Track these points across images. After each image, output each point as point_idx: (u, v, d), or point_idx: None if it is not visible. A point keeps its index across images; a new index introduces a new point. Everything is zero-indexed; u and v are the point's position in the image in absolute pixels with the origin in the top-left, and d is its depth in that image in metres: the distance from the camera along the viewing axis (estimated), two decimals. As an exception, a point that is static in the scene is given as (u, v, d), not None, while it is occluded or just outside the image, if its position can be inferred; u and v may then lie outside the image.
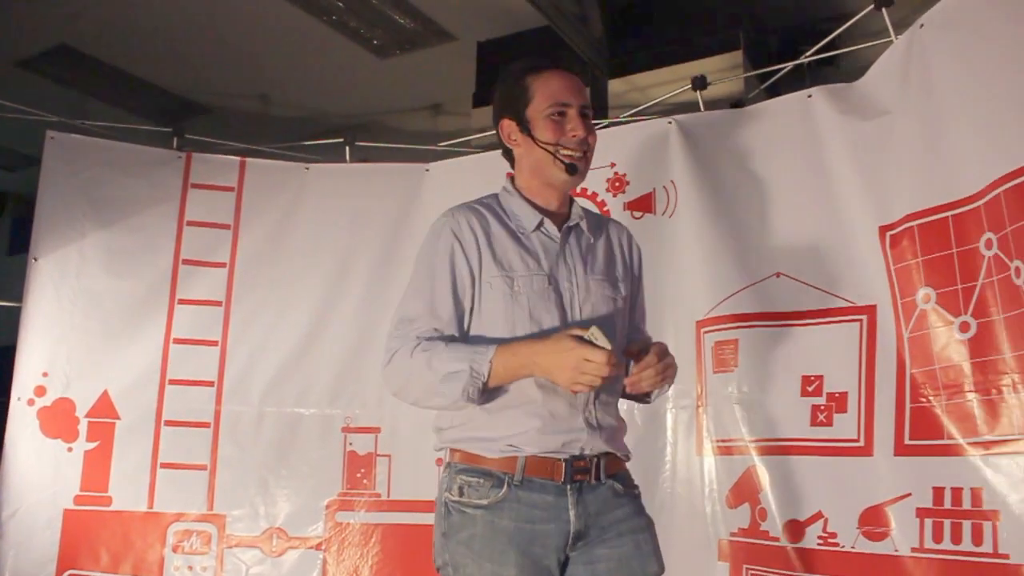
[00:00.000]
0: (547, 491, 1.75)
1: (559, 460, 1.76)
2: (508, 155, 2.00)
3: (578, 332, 1.65)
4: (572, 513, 1.75)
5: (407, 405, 3.41)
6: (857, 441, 2.57)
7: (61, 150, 3.54)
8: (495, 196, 1.95)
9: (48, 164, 3.53)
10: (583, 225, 1.92)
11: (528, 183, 1.92)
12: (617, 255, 1.97)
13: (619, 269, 1.95)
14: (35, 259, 3.45)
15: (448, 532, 1.79)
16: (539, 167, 1.88)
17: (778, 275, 2.82)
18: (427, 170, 3.60)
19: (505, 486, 1.74)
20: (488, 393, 1.73)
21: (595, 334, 1.64)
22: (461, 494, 1.77)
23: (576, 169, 1.85)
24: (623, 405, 2.03)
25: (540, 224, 1.86)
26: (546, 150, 1.84)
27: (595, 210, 3.20)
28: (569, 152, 1.83)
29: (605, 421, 1.83)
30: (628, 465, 1.95)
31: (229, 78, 5.19)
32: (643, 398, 1.99)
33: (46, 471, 3.34)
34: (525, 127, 1.87)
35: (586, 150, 1.86)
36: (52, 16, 4.53)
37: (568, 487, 1.76)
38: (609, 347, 1.63)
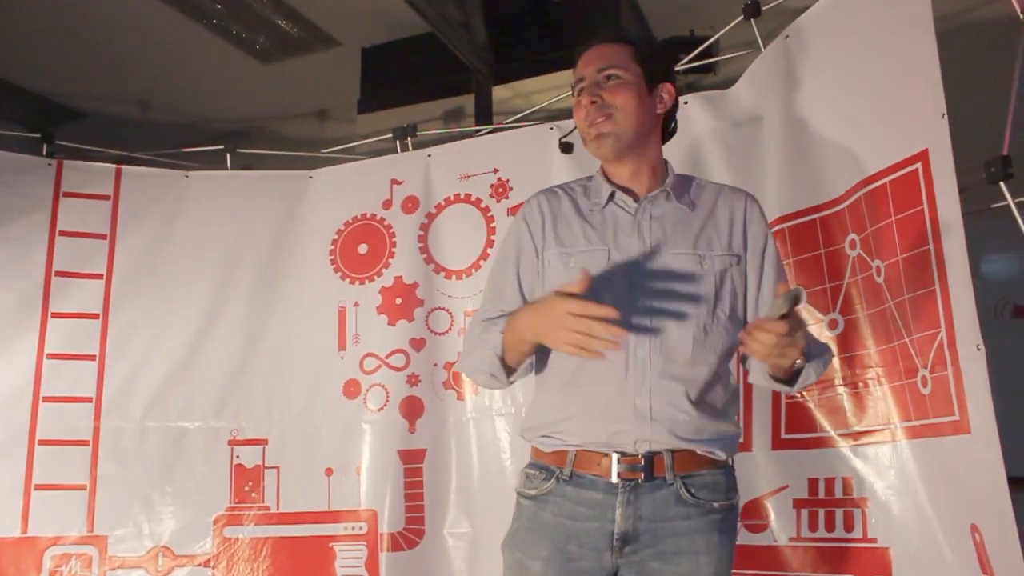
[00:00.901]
0: (596, 488, 1.65)
1: (607, 454, 1.64)
2: None
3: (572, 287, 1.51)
4: (618, 513, 1.63)
5: (294, 415, 3.41)
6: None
7: (-81, 157, 3.37)
8: (589, 176, 1.88)
9: (-98, 173, 3.35)
10: (671, 196, 1.77)
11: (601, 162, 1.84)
12: (724, 227, 1.76)
13: (721, 242, 1.74)
14: None
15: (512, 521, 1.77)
16: None
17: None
18: (311, 177, 3.55)
19: (553, 479, 1.68)
20: (512, 370, 1.70)
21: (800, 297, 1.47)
22: (521, 484, 1.76)
23: (568, 148, 1.87)
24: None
25: (612, 196, 1.77)
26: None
27: (481, 217, 3.23)
28: (585, 127, 1.78)
29: (663, 409, 1.64)
30: None
31: (104, 82, 5.02)
32: (787, 381, 1.71)
33: (-92, 499, 3.17)
34: None
35: (594, 119, 1.75)
36: (-91, 16, 4.31)
37: (620, 485, 1.64)
38: (790, 313, 1.46)
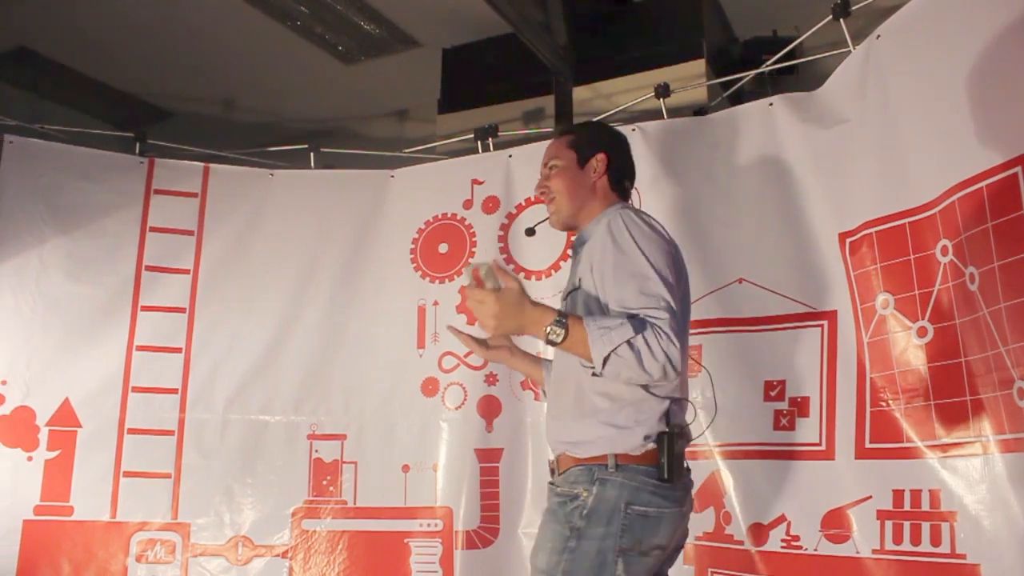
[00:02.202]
0: None
1: None
2: None
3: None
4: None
5: (372, 411, 3.44)
6: (819, 445, 2.61)
7: (19, 155, 3.50)
8: None
9: (6, 169, 3.48)
10: (578, 245, 2.11)
11: None
12: (584, 261, 2.01)
13: (577, 274, 2.02)
14: (-7, 266, 3.41)
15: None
16: None
17: (740, 281, 2.86)
18: (392, 176, 3.60)
19: None
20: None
21: (481, 271, 1.83)
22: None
23: (531, 232, 2.48)
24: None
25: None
26: None
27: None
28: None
29: (549, 422, 2.02)
30: None
31: (193, 83, 5.15)
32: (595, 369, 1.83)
33: (4, 481, 3.29)
34: None
35: (549, 198, 2.16)
36: (10, 18, 4.46)
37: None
38: (492, 284, 1.78)
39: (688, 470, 1.95)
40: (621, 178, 2.20)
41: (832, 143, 2.69)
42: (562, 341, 1.78)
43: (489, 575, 3.13)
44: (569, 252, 3.19)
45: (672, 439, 1.86)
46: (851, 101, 2.65)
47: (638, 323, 1.75)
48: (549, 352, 2.15)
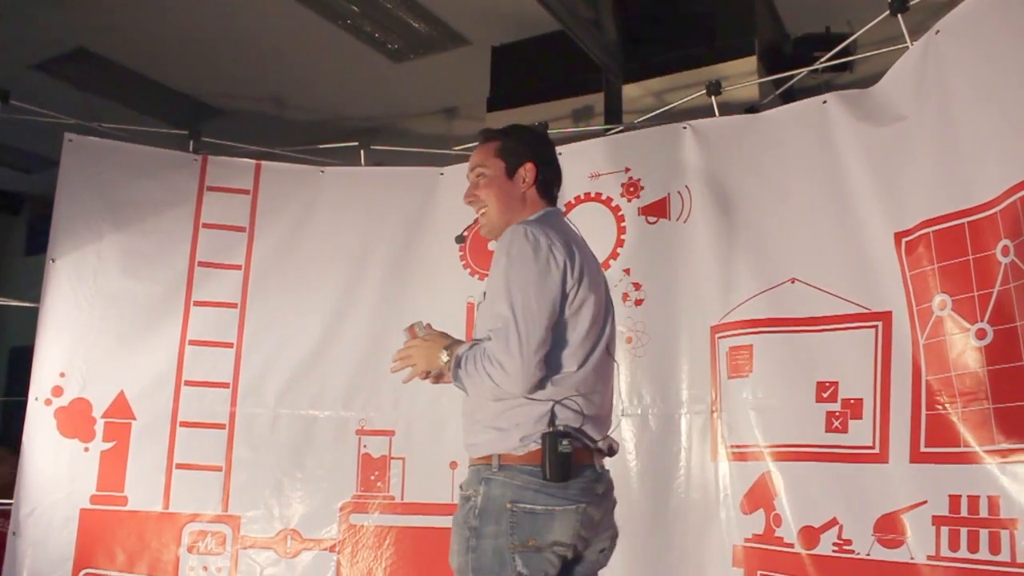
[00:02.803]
0: None
1: None
2: None
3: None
4: None
5: (421, 408, 3.44)
6: (872, 448, 2.57)
7: (79, 152, 3.58)
8: None
9: (66, 166, 3.56)
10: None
11: None
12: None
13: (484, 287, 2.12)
14: (53, 260, 3.48)
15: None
16: None
17: (793, 281, 2.82)
18: (442, 174, 3.61)
19: None
20: None
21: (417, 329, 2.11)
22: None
23: (461, 240, 2.50)
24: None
25: None
26: None
27: (612, 216, 3.22)
28: None
29: (464, 426, 2.11)
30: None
31: (245, 81, 5.21)
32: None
33: (63, 471, 3.36)
34: None
35: (479, 215, 2.22)
36: (70, 20, 4.56)
37: None
38: (411, 335, 2.10)
39: (593, 467, 2.00)
40: (549, 185, 2.24)
41: (888, 141, 2.64)
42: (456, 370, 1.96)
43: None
44: (619, 251, 3.20)
45: (554, 440, 1.91)
46: (908, 98, 2.60)
47: (473, 351, 1.94)
48: None
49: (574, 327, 2.00)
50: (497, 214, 2.16)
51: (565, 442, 1.92)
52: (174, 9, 4.45)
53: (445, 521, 3.22)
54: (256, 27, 4.61)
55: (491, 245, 2.16)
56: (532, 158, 2.20)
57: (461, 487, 2.04)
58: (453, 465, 3.30)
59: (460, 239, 2.45)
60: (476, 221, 2.22)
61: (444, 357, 2.02)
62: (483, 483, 1.94)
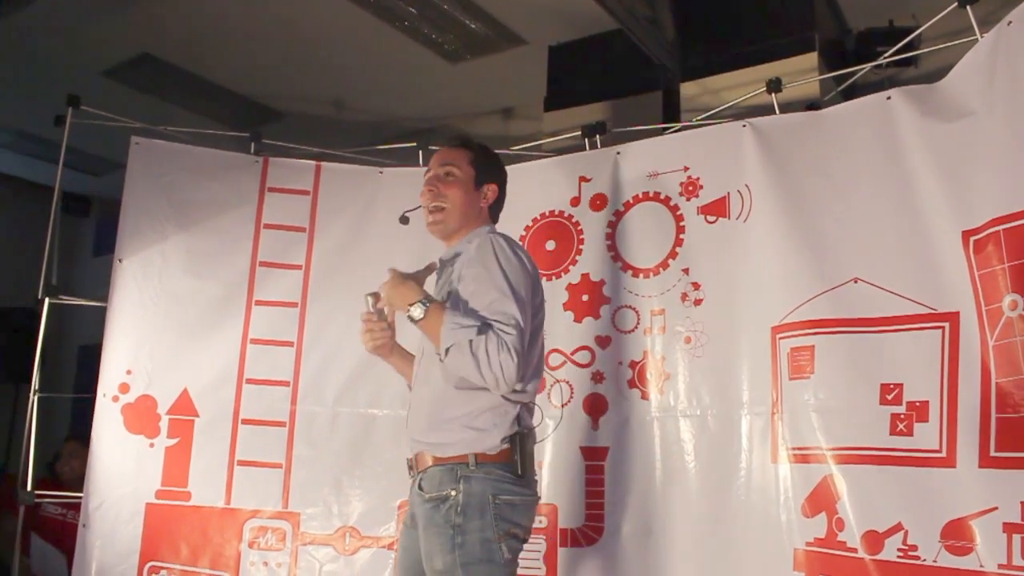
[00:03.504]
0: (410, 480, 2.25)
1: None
2: None
3: None
4: (411, 499, 2.23)
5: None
6: (939, 452, 2.50)
7: (145, 155, 3.65)
8: None
9: (133, 169, 3.64)
10: (447, 264, 2.33)
11: None
12: (456, 274, 2.24)
13: (452, 281, 2.23)
14: (120, 260, 3.56)
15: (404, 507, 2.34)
16: None
17: (856, 280, 2.76)
18: (499, 174, 3.61)
19: None
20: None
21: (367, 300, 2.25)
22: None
23: (405, 221, 2.51)
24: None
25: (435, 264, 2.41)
26: None
27: (670, 216, 3.19)
28: (426, 210, 2.35)
29: (410, 420, 2.24)
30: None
31: (304, 84, 5.28)
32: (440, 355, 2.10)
33: (129, 465, 3.44)
34: None
35: (434, 207, 2.33)
36: (136, 27, 4.67)
37: (411, 478, 2.23)
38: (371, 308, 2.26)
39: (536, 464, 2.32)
40: (499, 210, 2.46)
41: (956, 137, 2.57)
42: (420, 319, 2.07)
43: (592, 573, 3.11)
44: (678, 250, 3.18)
45: (524, 439, 2.15)
46: (978, 92, 2.53)
47: (486, 329, 2.01)
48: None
49: (534, 340, 2.20)
50: (455, 216, 2.32)
51: (530, 441, 2.19)
52: (234, 15, 4.52)
53: (502, 520, 3.28)
54: (315, 31, 4.67)
55: (448, 246, 2.38)
56: (496, 181, 2.42)
57: (422, 488, 2.13)
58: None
59: (404, 219, 2.53)
60: (431, 210, 2.33)
61: (418, 312, 2.09)
62: (462, 481, 2.07)
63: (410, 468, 2.23)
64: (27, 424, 3.49)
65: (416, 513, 2.17)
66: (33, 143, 6.40)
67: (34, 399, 3.51)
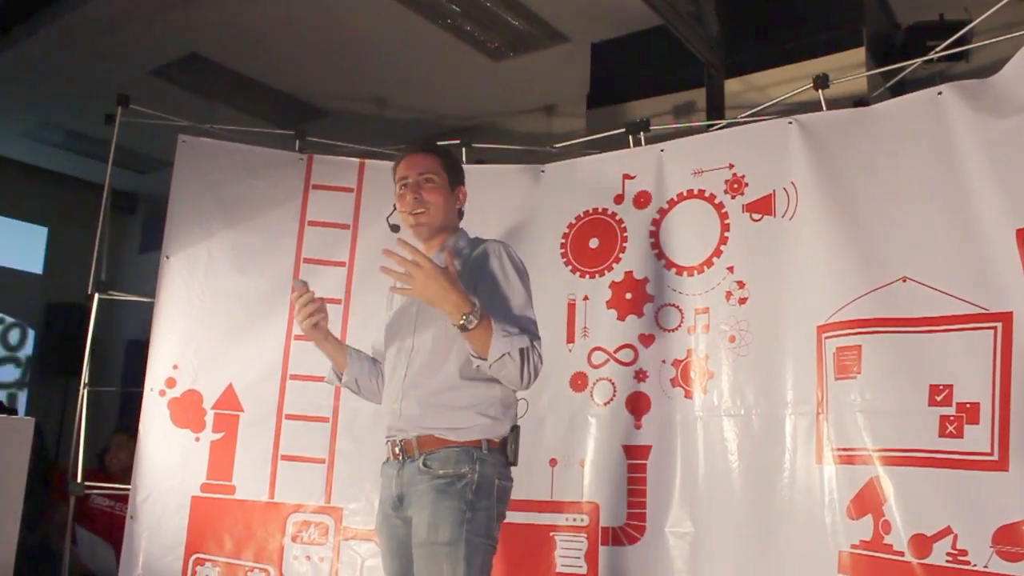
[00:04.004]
0: (389, 466, 2.36)
1: (388, 443, 2.37)
2: None
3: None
4: (394, 482, 2.31)
5: (521, 405, 3.45)
6: (990, 455, 2.46)
7: (191, 153, 3.70)
8: None
9: (180, 167, 3.68)
10: (439, 259, 2.32)
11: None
12: (467, 276, 2.33)
13: (464, 282, 2.28)
14: (167, 257, 3.61)
15: None
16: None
17: (904, 279, 2.72)
18: (543, 171, 3.60)
19: (380, 464, 2.42)
20: (347, 378, 2.63)
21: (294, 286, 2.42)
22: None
23: (397, 228, 2.50)
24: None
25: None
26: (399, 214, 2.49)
27: (715, 214, 3.17)
28: (406, 213, 2.43)
29: (409, 407, 2.31)
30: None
31: (348, 82, 5.33)
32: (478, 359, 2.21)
33: (175, 459, 3.48)
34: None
35: (419, 211, 2.41)
36: (183, 27, 4.74)
37: (394, 464, 2.33)
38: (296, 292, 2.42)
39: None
40: (463, 213, 2.60)
41: (1010, 133, 2.52)
42: (471, 329, 2.12)
43: (634, 573, 3.09)
44: (723, 248, 3.15)
45: (518, 431, 2.36)
46: (1034, 87, 2.49)
47: (529, 339, 2.19)
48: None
49: None
50: (439, 219, 2.44)
51: (519, 435, 2.37)
52: (279, 14, 4.57)
53: (544, 519, 3.27)
54: (359, 29, 4.71)
55: (428, 247, 2.44)
56: (464, 183, 2.58)
57: (427, 465, 2.24)
58: (553, 462, 3.29)
59: (395, 228, 2.54)
60: (415, 214, 2.41)
61: (472, 323, 2.12)
62: (478, 463, 2.23)
63: (400, 451, 2.32)
64: (77, 417, 3.55)
65: (415, 491, 2.25)
66: (83, 142, 6.53)
67: (84, 393, 3.57)
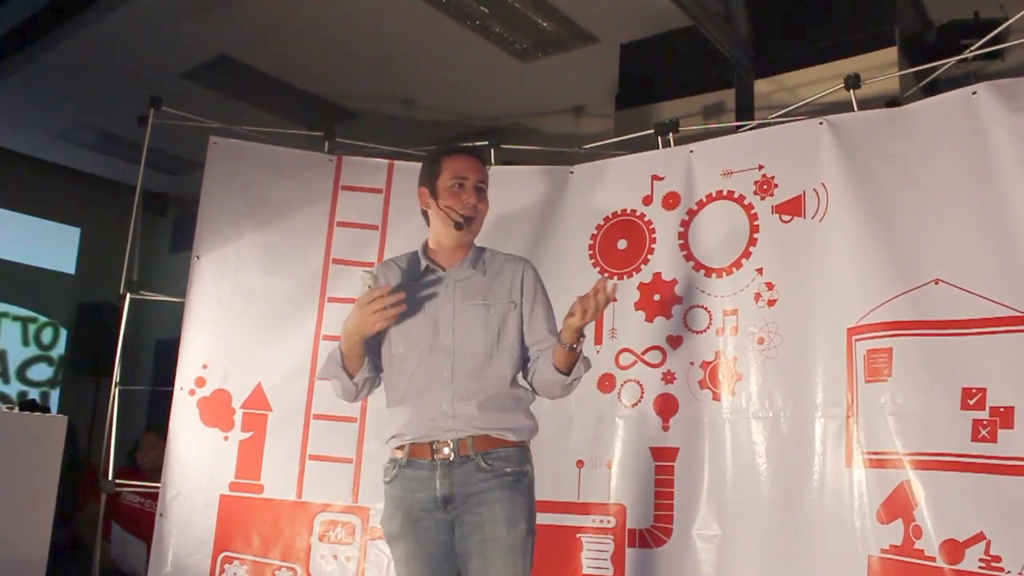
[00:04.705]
0: (423, 468, 2.31)
1: (427, 444, 2.31)
2: (425, 217, 2.56)
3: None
4: (439, 483, 2.28)
5: (547, 406, 3.48)
6: (1024, 460, 2.42)
7: (222, 154, 3.72)
8: (409, 253, 2.57)
9: (210, 168, 3.71)
10: (468, 267, 2.47)
11: (433, 240, 2.52)
12: (505, 284, 2.47)
13: (503, 294, 2.45)
14: (197, 257, 3.63)
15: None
16: (438, 226, 2.48)
17: (937, 282, 2.69)
18: (572, 172, 3.59)
19: (397, 467, 2.36)
20: (359, 378, 2.39)
21: (362, 276, 2.26)
22: (382, 476, 2.43)
23: (462, 226, 2.42)
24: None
25: (426, 268, 2.47)
26: (445, 212, 2.43)
27: (744, 215, 3.14)
28: (464, 214, 2.42)
29: (466, 408, 2.32)
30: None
31: (377, 84, 5.35)
32: (565, 372, 2.34)
33: (205, 457, 3.50)
34: (434, 195, 2.47)
35: (468, 216, 2.43)
36: (213, 30, 4.78)
37: (438, 464, 2.29)
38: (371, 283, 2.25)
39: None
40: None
41: (1045, 132, 2.49)
42: (577, 349, 2.29)
43: (660, 575, 3.09)
44: (752, 250, 3.12)
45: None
46: (1070, 86, 2.45)
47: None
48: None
49: None
50: (479, 229, 2.51)
51: None
52: (308, 16, 4.60)
53: (571, 520, 3.27)
54: (387, 30, 4.73)
55: (453, 251, 2.49)
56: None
57: (489, 464, 2.28)
58: (580, 464, 3.28)
59: (460, 226, 2.45)
60: (467, 218, 2.42)
61: (577, 343, 2.28)
62: (528, 462, 2.38)
63: (452, 451, 2.30)
64: (108, 415, 3.59)
65: (474, 490, 2.27)
66: (115, 143, 6.61)
67: (115, 391, 3.60)
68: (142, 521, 4.12)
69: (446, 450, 2.30)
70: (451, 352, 2.36)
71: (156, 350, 7.23)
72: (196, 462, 3.51)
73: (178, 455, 3.50)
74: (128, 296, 3.68)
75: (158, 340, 7.06)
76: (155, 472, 3.69)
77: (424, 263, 2.48)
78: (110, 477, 3.59)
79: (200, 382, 3.55)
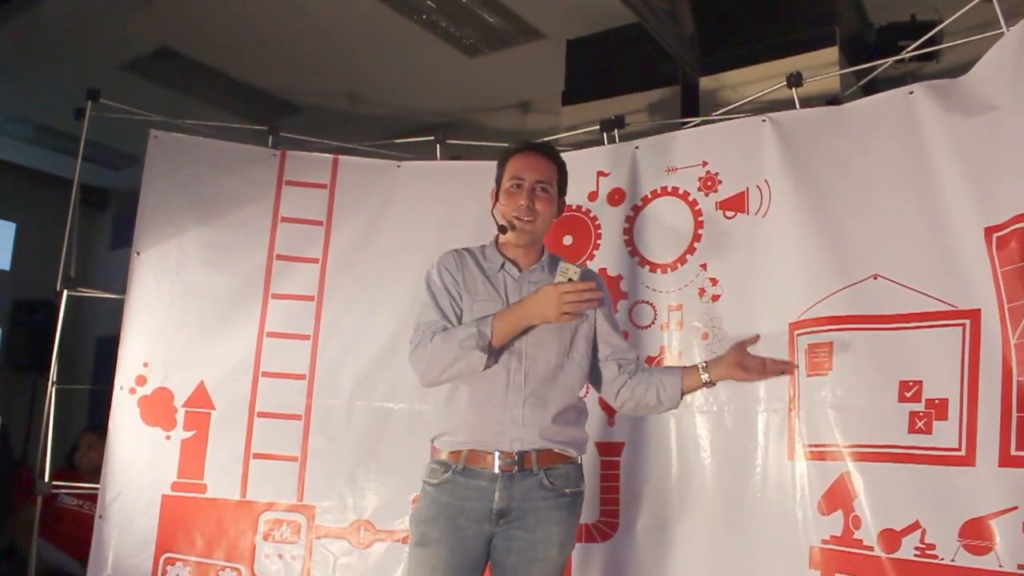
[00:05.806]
0: (481, 477, 2.22)
1: (489, 452, 2.22)
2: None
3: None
4: (498, 495, 2.20)
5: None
6: (958, 450, 2.48)
7: (163, 148, 3.66)
8: (483, 245, 2.48)
9: (151, 162, 3.65)
10: (544, 269, 2.40)
11: (503, 237, 2.43)
12: None
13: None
14: (137, 253, 3.57)
15: (418, 502, 2.36)
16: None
17: (875, 277, 2.74)
18: (516, 168, 3.59)
19: (450, 472, 2.25)
20: (494, 353, 2.21)
21: (564, 270, 2.16)
22: (426, 476, 2.34)
23: (506, 230, 2.36)
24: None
25: (502, 266, 2.39)
26: (499, 213, 2.41)
27: (689, 211, 3.18)
28: (515, 216, 2.35)
29: (539, 418, 2.25)
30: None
31: (322, 78, 5.29)
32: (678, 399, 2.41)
33: (146, 457, 3.45)
34: (498, 194, 2.44)
35: (528, 219, 2.35)
36: (154, 21, 4.68)
37: (499, 476, 2.21)
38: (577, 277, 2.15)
39: None
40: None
41: (980, 132, 2.55)
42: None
43: (607, 569, 3.10)
44: (696, 246, 3.15)
45: None
46: (1003, 86, 2.51)
47: None
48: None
49: None
50: (542, 231, 2.41)
51: None
52: (251, 8, 4.53)
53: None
54: (332, 24, 4.67)
55: (524, 254, 2.43)
56: (565, 195, 2.50)
57: (552, 483, 2.24)
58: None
59: (504, 230, 2.40)
60: (527, 220, 2.35)
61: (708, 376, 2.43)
62: (582, 480, 2.34)
63: (516, 463, 2.23)
64: (45, 415, 3.51)
65: (532, 507, 2.23)
66: (52, 136, 6.44)
67: (52, 390, 3.52)
68: (80, 524, 4.03)
69: (509, 461, 2.22)
70: (525, 356, 2.28)
71: (96, 348, 7.07)
72: (137, 462, 3.45)
73: (118, 455, 3.44)
74: (65, 293, 3.59)
75: (98, 338, 6.91)
76: (94, 473, 3.61)
77: (501, 260, 2.41)
78: (47, 479, 3.51)
79: (141, 380, 3.49)
